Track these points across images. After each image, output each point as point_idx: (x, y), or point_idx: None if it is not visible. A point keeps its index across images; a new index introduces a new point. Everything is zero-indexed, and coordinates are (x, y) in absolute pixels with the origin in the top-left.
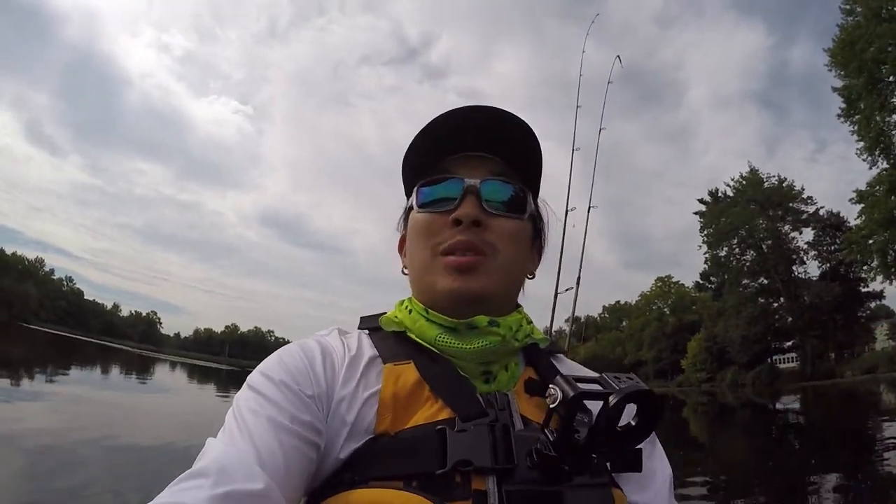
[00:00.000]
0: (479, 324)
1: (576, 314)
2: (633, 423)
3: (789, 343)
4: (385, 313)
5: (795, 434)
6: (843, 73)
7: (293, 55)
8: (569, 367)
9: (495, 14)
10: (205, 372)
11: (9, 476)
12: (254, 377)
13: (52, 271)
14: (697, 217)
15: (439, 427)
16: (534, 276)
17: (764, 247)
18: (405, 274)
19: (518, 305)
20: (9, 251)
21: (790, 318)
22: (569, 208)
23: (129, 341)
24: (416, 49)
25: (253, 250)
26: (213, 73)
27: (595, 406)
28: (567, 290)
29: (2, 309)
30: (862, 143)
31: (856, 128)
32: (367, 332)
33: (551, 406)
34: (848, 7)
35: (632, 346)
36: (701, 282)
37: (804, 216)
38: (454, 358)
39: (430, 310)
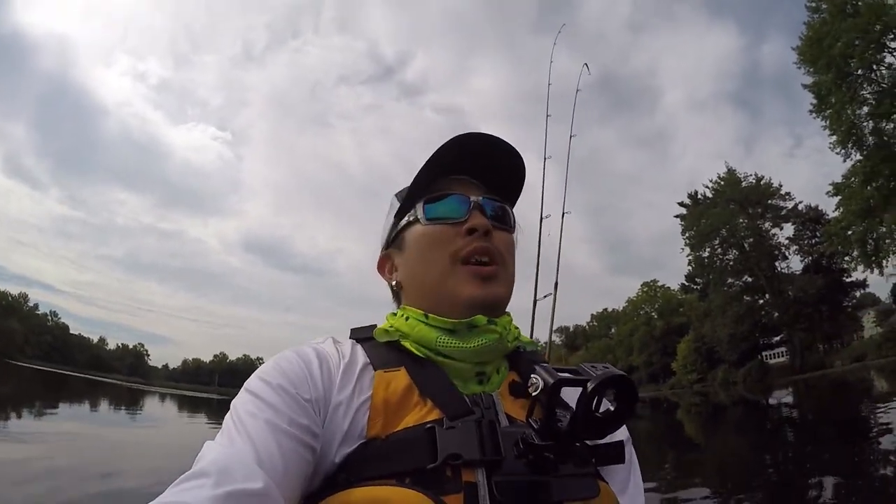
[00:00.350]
0: (479, 322)
1: (564, 325)
2: (611, 409)
3: (777, 338)
4: (375, 325)
5: (790, 427)
6: (812, 69)
7: (270, 78)
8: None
9: (469, 30)
10: (195, 402)
11: None
12: (251, 382)
13: (36, 306)
14: (679, 220)
15: (429, 426)
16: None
17: (746, 245)
18: (395, 289)
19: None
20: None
21: (776, 314)
22: (543, 216)
23: (117, 374)
24: (393, 67)
25: (237, 276)
26: (190, 99)
27: (574, 400)
28: (546, 296)
29: None
30: (835, 137)
31: (828, 122)
32: (357, 342)
33: (533, 394)
34: (813, 4)
35: (622, 352)
36: (686, 283)
37: (783, 212)
38: (454, 359)
39: (429, 314)
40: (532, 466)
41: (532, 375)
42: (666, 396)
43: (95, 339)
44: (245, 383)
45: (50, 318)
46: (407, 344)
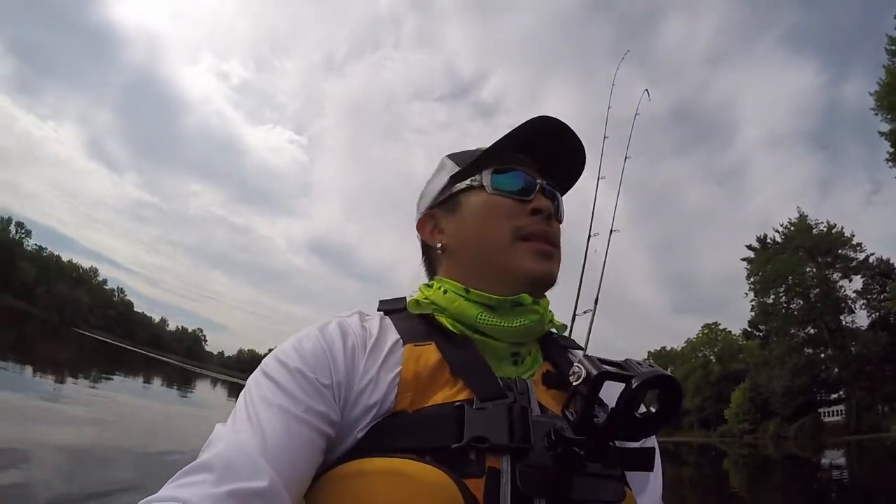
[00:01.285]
0: (525, 301)
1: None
2: (652, 411)
3: (835, 395)
4: (404, 298)
5: (839, 491)
6: (889, 116)
7: (348, 88)
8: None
9: (545, 54)
10: None
11: (44, 472)
12: (268, 362)
13: (104, 281)
14: (745, 264)
15: (458, 404)
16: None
17: (812, 295)
18: (438, 251)
19: None
20: (65, 258)
21: (836, 369)
22: (592, 233)
23: (173, 355)
24: (468, 87)
25: (300, 277)
26: (269, 102)
27: (611, 400)
28: (585, 311)
29: (54, 312)
30: None
31: None
32: (386, 314)
33: (575, 383)
34: (894, 48)
35: None
36: (749, 329)
37: (853, 263)
38: (493, 337)
39: (470, 289)
40: (559, 460)
41: (575, 364)
42: (715, 444)
43: (157, 319)
44: (262, 362)
45: (116, 294)
46: (442, 319)
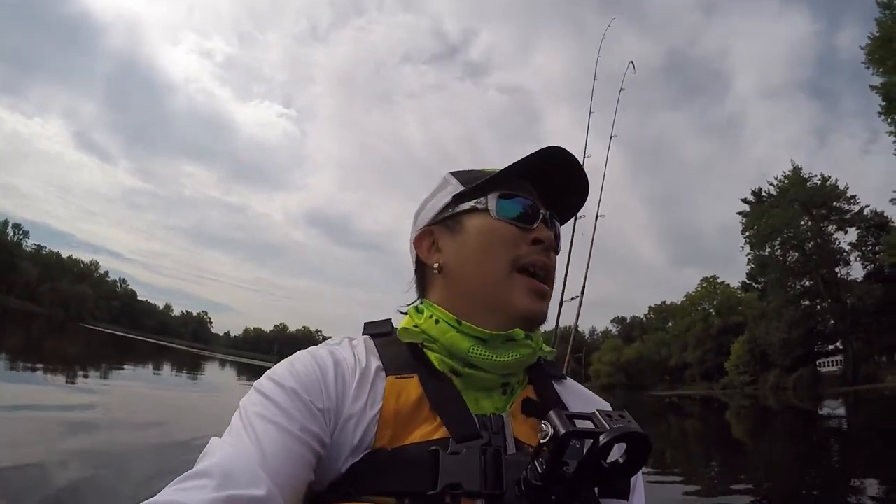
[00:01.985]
0: (518, 336)
1: (621, 315)
2: (620, 461)
3: (832, 346)
4: (389, 320)
5: (838, 440)
6: (881, 69)
7: (334, 56)
8: (568, 388)
9: (534, 7)
10: (254, 370)
11: (61, 461)
12: (263, 382)
13: (106, 273)
14: (741, 217)
15: (432, 448)
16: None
17: (807, 248)
18: (434, 270)
19: None
20: (64, 254)
21: (832, 321)
22: (578, 216)
23: (180, 340)
24: (457, 46)
25: (300, 250)
26: (256, 76)
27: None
28: (572, 298)
29: (59, 309)
30: None
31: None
32: (371, 338)
33: (542, 441)
34: (885, 0)
35: (677, 347)
36: (747, 282)
37: (848, 216)
38: (484, 370)
39: (462, 321)
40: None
41: (543, 422)
42: (717, 396)
43: (161, 306)
44: (255, 383)
45: (119, 284)
46: (430, 353)
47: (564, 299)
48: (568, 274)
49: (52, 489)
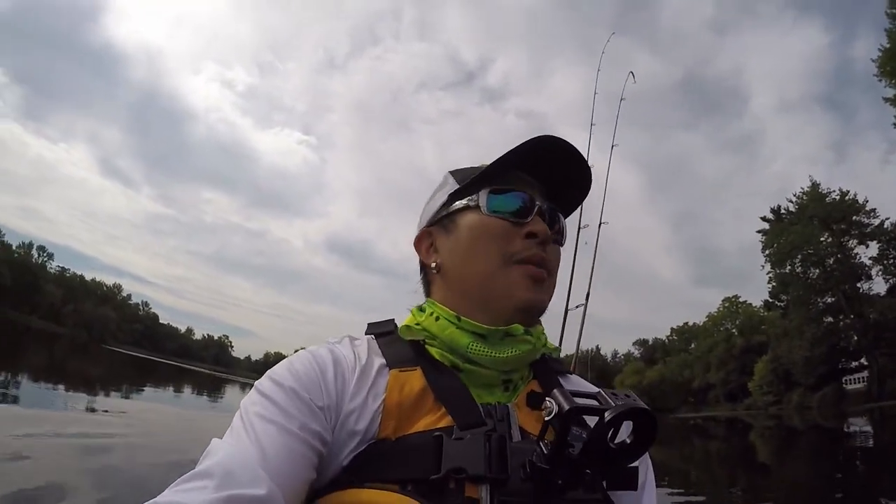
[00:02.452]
0: (517, 332)
1: (643, 337)
2: (627, 441)
3: (855, 363)
4: (393, 320)
5: (864, 458)
6: (894, 81)
7: (352, 84)
8: (573, 382)
9: (548, 33)
10: None
11: (79, 481)
12: (263, 382)
13: (129, 296)
14: (760, 235)
15: (436, 434)
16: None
17: (827, 264)
18: (433, 270)
19: None
20: (87, 277)
21: (855, 337)
22: (581, 225)
23: (201, 363)
24: (473, 72)
25: (321, 276)
26: (275, 105)
27: (593, 421)
28: (577, 306)
29: (83, 330)
30: None
31: None
32: (374, 337)
33: (546, 419)
34: (894, 12)
35: (700, 368)
36: (770, 300)
37: (868, 229)
38: (484, 366)
39: (461, 317)
40: (538, 489)
41: (547, 399)
42: (741, 417)
43: (183, 329)
44: (256, 383)
45: (141, 307)
46: (431, 348)
47: (569, 307)
48: (573, 283)
49: None
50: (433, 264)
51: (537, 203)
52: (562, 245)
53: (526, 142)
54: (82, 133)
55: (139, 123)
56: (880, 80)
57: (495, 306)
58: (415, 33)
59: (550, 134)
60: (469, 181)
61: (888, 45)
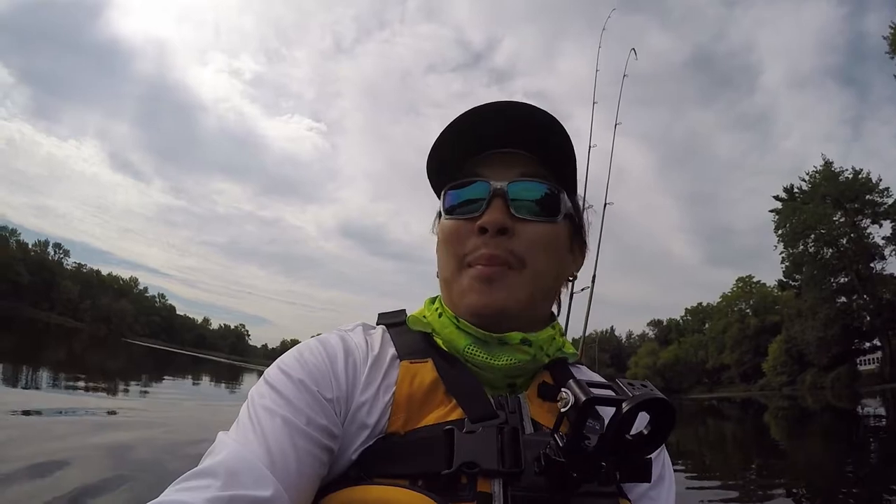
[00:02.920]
0: (512, 340)
1: (657, 318)
2: (644, 433)
3: (869, 344)
4: (404, 311)
5: (877, 438)
6: None
7: (361, 69)
8: (585, 374)
9: (555, 10)
10: None
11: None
12: (271, 372)
13: (145, 289)
14: (773, 215)
15: (447, 428)
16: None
17: (841, 243)
18: (438, 277)
19: (553, 317)
20: (104, 272)
21: (868, 318)
22: (586, 205)
23: (218, 353)
24: (481, 53)
25: (334, 262)
26: (284, 93)
27: (607, 414)
28: (583, 289)
29: (101, 324)
30: None
31: None
32: (386, 328)
33: (562, 410)
34: None
35: (714, 349)
36: (784, 280)
37: (882, 208)
38: (481, 370)
39: (460, 318)
40: (553, 482)
41: (562, 389)
42: (755, 398)
43: (199, 320)
44: (265, 372)
45: (158, 300)
46: (438, 340)
47: (574, 290)
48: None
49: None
50: (437, 270)
51: (493, 186)
52: (551, 221)
53: (454, 119)
54: (92, 129)
55: (148, 117)
56: (892, 58)
57: (460, 314)
58: (421, 16)
59: (474, 107)
60: (438, 184)
61: None
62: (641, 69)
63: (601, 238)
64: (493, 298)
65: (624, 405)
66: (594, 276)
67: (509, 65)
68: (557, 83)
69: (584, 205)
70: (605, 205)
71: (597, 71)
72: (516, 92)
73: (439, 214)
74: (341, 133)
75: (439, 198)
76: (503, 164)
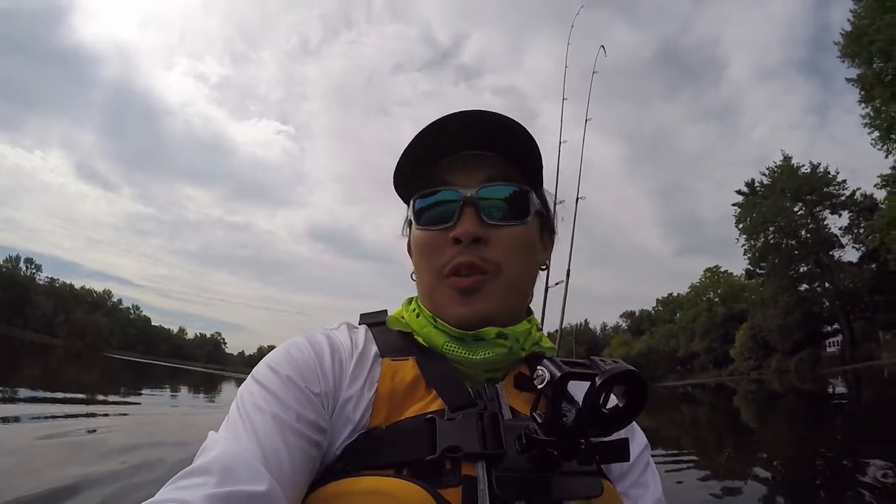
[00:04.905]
0: (487, 335)
1: (630, 309)
2: (619, 406)
3: (829, 328)
4: (385, 311)
5: (839, 418)
6: (855, 62)
7: (327, 70)
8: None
9: (524, 7)
10: None
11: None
12: (260, 370)
13: (119, 301)
14: (735, 209)
15: (429, 416)
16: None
17: (801, 234)
18: (414, 280)
19: (530, 311)
20: (76, 285)
21: (827, 304)
22: (557, 201)
23: (196, 362)
24: (449, 51)
25: (307, 265)
26: (251, 96)
27: (581, 395)
28: (557, 283)
29: (76, 339)
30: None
31: (869, 118)
32: (368, 327)
33: (539, 387)
34: None
35: (685, 338)
36: (751, 269)
37: (840, 200)
38: (461, 366)
39: (437, 318)
40: (534, 462)
41: (538, 367)
42: (725, 383)
43: (175, 330)
44: (253, 370)
45: (132, 311)
46: (418, 338)
47: (550, 285)
48: (551, 261)
49: None
50: (412, 272)
51: (462, 195)
52: (520, 223)
53: (421, 130)
54: (57, 138)
55: (114, 124)
56: (843, 61)
57: (443, 321)
58: (388, 15)
59: (440, 117)
60: (405, 190)
61: (852, 30)
62: (610, 64)
63: (574, 233)
64: (474, 309)
65: (597, 378)
66: (568, 271)
67: (478, 62)
68: (527, 80)
69: (555, 200)
70: (577, 199)
71: (566, 67)
72: (485, 89)
73: (409, 222)
74: (309, 136)
75: (408, 205)
76: (469, 168)
